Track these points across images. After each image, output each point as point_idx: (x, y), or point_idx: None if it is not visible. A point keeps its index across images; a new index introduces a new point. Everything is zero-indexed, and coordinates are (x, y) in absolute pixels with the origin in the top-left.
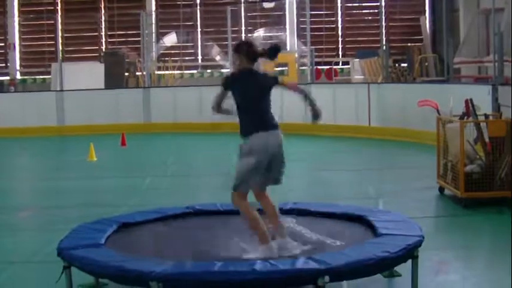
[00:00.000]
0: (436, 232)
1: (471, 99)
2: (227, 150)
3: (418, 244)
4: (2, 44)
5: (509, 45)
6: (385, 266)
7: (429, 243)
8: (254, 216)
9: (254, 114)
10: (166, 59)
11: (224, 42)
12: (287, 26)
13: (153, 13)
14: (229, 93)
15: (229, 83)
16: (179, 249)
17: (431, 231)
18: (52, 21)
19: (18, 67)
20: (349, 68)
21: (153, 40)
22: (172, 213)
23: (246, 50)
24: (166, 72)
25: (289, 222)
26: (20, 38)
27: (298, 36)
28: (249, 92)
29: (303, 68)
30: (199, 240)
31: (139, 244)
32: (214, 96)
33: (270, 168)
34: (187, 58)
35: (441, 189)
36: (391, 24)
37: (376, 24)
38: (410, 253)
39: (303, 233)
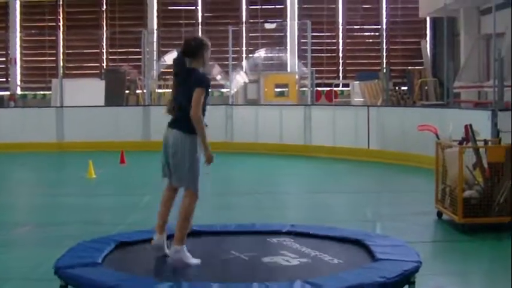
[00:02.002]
0: (434, 257)
1: (470, 125)
2: (225, 170)
3: (415, 270)
4: (4, 59)
5: (510, 70)
6: None
7: (426, 269)
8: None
9: None
10: (167, 77)
11: (225, 62)
12: (288, 47)
13: (155, 31)
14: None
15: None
16: (176, 270)
17: (428, 256)
18: (54, 38)
19: (18, 82)
20: (349, 90)
21: (154, 58)
22: (170, 233)
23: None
24: (167, 90)
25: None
26: (21, 53)
27: (299, 57)
28: None
29: (304, 89)
30: (195, 256)
31: (137, 263)
32: (199, 103)
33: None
34: None
35: (439, 214)
36: (391, 47)
37: (376, 47)
38: (407, 279)
39: (300, 249)
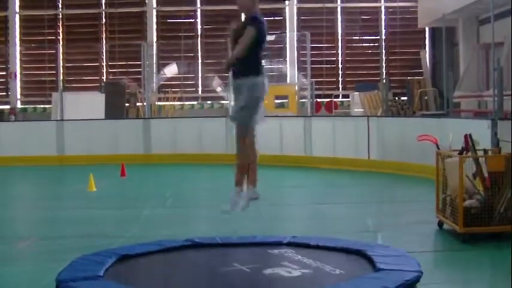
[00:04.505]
0: (435, 267)
1: (470, 135)
2: (226, 182)
3: (417, 279)
4: (4, 73)
5: (510, 79)
6: None
7: (427, 278)
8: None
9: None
10: (167, 90)
11: (225, 74)
12: (287, 59)
13: (154, 44)
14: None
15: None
16: (178, 282)
17: (429, 266)
18: (53, 51)
19: (19, 96)
20: (349, 101)
21: (154, 71)
22: (172, 245)
23: None
24: (167, 103)
25: None
26: (21, 67)
27: (298, 68)
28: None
29: (303, 100)
30: (198, 274)
31: (139, 277)
32: (246, 46)
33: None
34: (187, 89)
35: (440, 224)
36: (391, 57)
37: (376, 58)
38: None
39: (302, 261)
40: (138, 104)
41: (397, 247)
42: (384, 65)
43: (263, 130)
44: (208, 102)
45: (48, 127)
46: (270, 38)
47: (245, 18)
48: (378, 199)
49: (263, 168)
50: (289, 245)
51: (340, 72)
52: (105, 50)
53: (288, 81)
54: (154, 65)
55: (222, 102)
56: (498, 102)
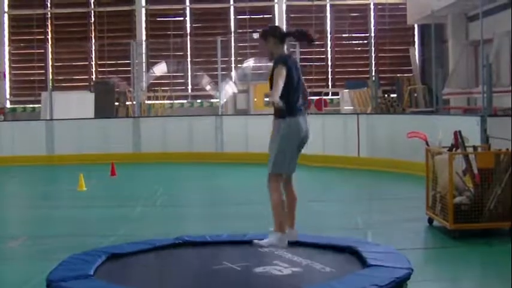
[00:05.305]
0: (425, 264)
1: (460, 131)
2: (216, 180)
3: (407, 277)
4: None
5: (510, 75)
6: None
7: (418, 275)
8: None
9: (297, 97)
10: (157, 88)
11: (214, 72)
12: None
13: (143, 43)
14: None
15: (288, 63)
16: (168, 281)
17: (419, 263)
18: (42, 51)
19: (8, 96)
20: (338, 98)
21: (143, 70)
22: (162, 244)
23: (278, 32)
24: (156, 102)
25: None
26: (10, 66)
27: None
28: (297, 75)
29: None
30: (188, 272)
31: (129, 275)
32: (278, 85)
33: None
34: (177, 88)
35: (430, 221)
36: (380, 55)
37: (365, 55)
38: (398, 286)
39: (292, 259)
40: (127, 103)
41: (387, 244)
42: (373, 62)
43: (253, 128)
44: (198, 100)
45: (38, 127)
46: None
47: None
48: (368, 196)
49: (254, 166)
50: None
51: (329, 69)
52: (95, 49)
53: None
54: (144, 64)
55: (212, 100)
56: (487, 98)
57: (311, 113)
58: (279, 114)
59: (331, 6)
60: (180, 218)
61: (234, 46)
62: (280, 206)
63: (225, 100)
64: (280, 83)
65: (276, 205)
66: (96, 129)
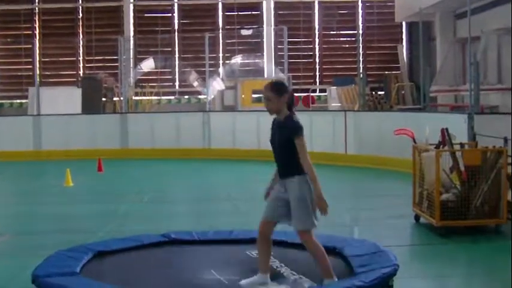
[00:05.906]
0: (411, 260)
1: (447, 129)
2: (203, 177)
3: (393, 273)
4: None
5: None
6: None
7: (404, 272)
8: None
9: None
10: (144, 84)
11: (202, 69)
12: (265, 53)
13: (131, 38)
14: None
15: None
16: (155, 278)
17: (406, 260)
18: (30, 46)
19: None
20: (326, 95)
21: (131, 65)
22: (148, 241)
23: (290, 96)
24: (144, 97)
25: None
26: None
27: (275, 63)
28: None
29: None
30: (174, 269)
31: (115, 273)
32: (312, 168)
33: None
34: (164, 84)
35: (417, 218)
36: (368, 52)
37: (353, 52)
38: (385, 282)
39: (278, 270)
40: (115, 98)
41: (374, 241)
42: (361, 59)
43: (241, 124)
44: (186, 97)
45: (25, 122)
46: (247, 32)
47: (281, 120)
48: (355, 193)
49: (241, 162)
50: None
51: (317, 66)
52: (82, 45)
53: (266, 75)
54: (131, 60)
55: (200, 97)
56: (474, 96)
57: (298, 110)
58: (294, 171)
59: (319, 3)
60: (167, 214)
61: (222, 42)
62: (325, 254)
63: (212, 96)
64: (307, 153)
65: (322, 254)
66: (83, 125)
